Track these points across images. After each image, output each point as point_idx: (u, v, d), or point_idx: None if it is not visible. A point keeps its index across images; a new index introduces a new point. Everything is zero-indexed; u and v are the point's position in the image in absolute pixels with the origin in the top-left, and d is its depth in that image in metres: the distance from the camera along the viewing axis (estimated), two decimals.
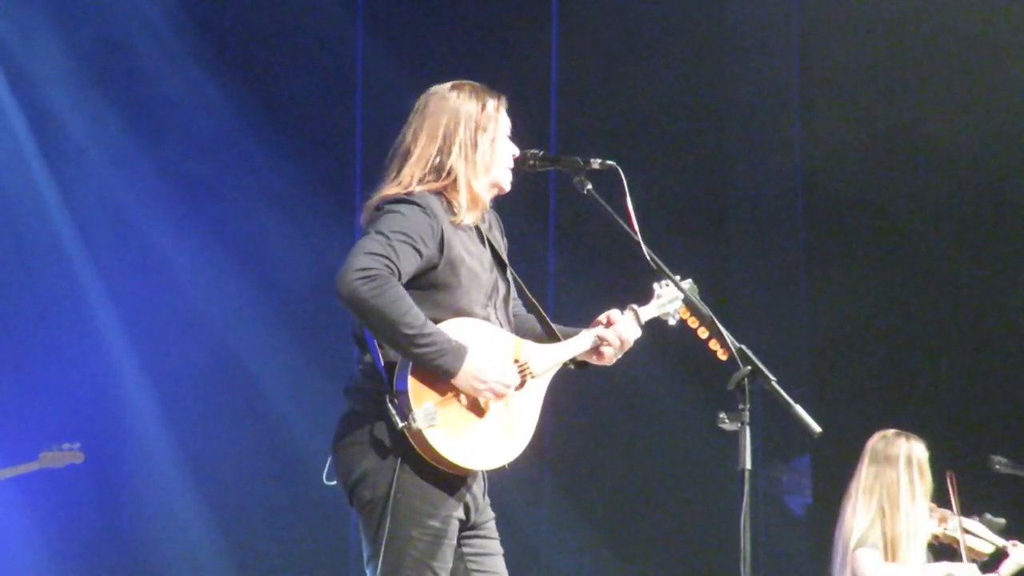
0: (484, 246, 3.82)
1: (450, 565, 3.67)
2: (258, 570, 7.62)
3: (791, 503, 7.73)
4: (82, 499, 7.37)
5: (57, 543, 7.36)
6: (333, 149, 7.88)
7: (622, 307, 3.91)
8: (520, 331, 3.86)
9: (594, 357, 3.88)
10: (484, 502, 3.80)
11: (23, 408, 7.35)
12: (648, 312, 3.93)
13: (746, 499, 3.38)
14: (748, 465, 3.42)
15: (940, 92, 7.24)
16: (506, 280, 3.86)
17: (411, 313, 3.53)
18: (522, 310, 3.96)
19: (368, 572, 3.65)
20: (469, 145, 3.75)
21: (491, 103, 3.80)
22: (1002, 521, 5.75)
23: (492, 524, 3.83)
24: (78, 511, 7.42)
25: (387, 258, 3.54)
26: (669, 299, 3.94)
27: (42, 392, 7.41)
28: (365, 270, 3.51)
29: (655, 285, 3.94)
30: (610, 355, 3.86)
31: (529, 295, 3.95)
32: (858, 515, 5.57)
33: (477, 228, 3.82)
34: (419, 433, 3.56)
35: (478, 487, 3.75)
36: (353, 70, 7.85)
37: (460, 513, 3.69)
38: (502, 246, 3.89)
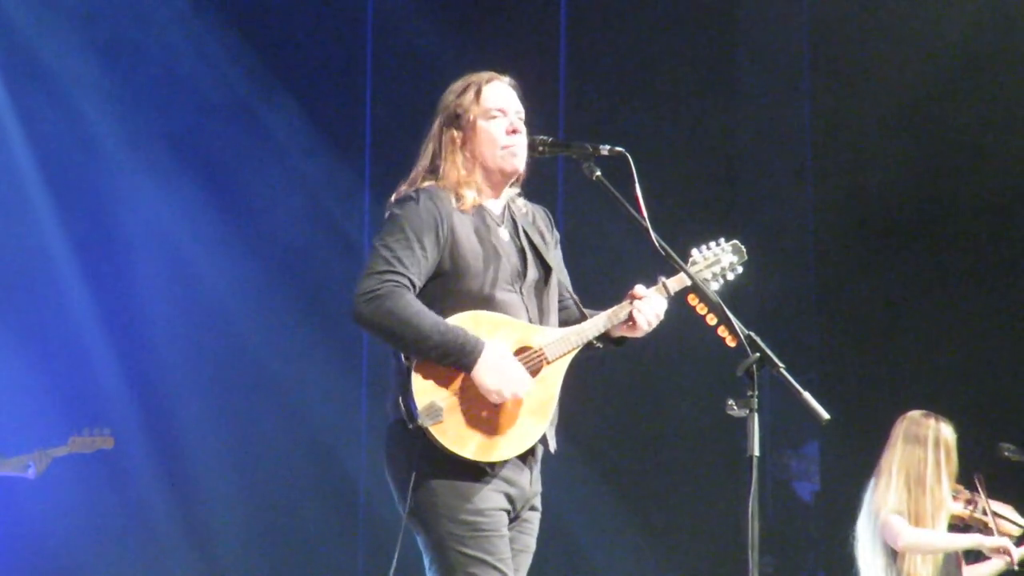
0: (515, 233, 3.87)
1: (508, 556, 3.72)
2: (270, 545, 7.59)
3: (799, 489, 7.74)
4: (92, 483, 7.35)
5: (68, 524, 7.35)
6: (342, 108, 7.76)
7: (630, 287, 3.93)
8: (569, 324, 3.90)
9: (628, 331, 3.90)
10: (532, 491, 3.83)
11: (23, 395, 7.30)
12: (679, 282, 3.93)
13: (754, 485, 3.38)
14: (756, 452, 3.42)
15: (951, 72, 7.20)
16: (544, 268, 3.89)
17: (415, 319, 3.62)
18: (573, 306, 3.99)
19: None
20: (448, 141, 3.86)
21: (469, 93, 3.87)
22: None
23: (533, 517, 3.87)
24: (88, 494, 7.40)
25: (389, 272, 3.66)
26: (705, 265, 3.98)
27: (34, 381, 7.36)
28: (366, 293, 3.66)
29: (693, 251, 3.98)
30: (642, 328, 3.88)
31: (567, 287, 3.99)
32: (888, 491, 5.71)
33: (512, 217, 3.89)
34: (428, 431, 3.62)
35: (522, 476, 3.78)
36: (364, 32, 7.77)
37: (503, 503, 3.73)
38: (547, 237, 3.95)
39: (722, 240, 4.07)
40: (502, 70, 3.97)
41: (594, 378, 6.78)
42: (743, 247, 4.08)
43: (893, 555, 5.72)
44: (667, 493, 7.62)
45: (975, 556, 5.90)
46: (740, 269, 4.06)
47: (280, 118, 7.65)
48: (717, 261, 4.02)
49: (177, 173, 7.56)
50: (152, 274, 7.59)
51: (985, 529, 5.79)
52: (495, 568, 3.67)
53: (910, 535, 5.65)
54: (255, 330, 7.61)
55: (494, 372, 3.64)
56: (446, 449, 3.63)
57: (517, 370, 3.69)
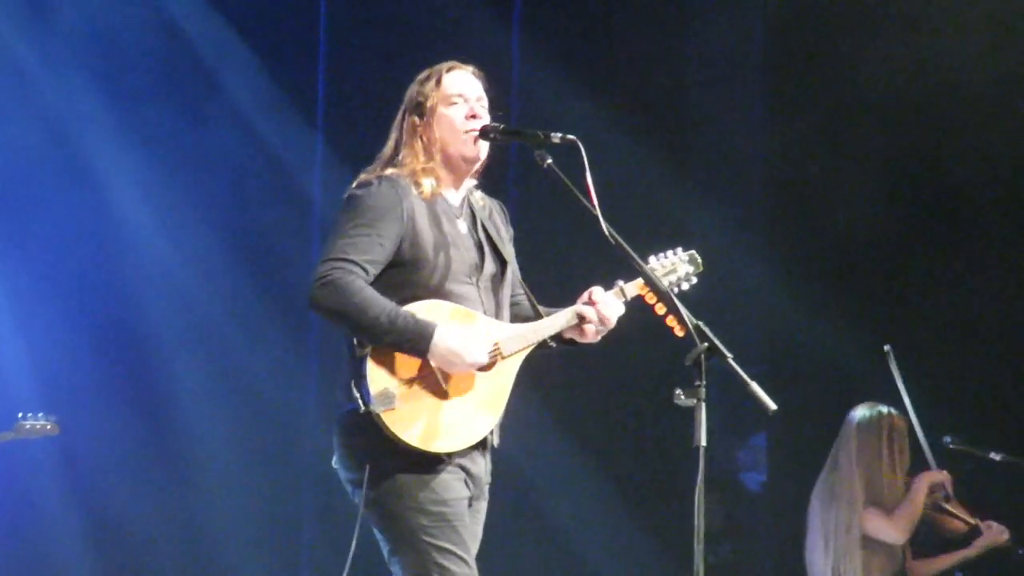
0: (473, 226, 3.90)
1: (470, 545, 3.75)
2: (218, 532, 7.51)
3: (747, 480, 7.78)
4: (35, 470, 7.25)
5: (9, 511, 7.26)
6: (295, 64, 7.57)
7: (581, 283, 3.95)
8: (519, 319, 3.94)
9: (577, 334, 3.92)
10: (485, 480, 3.87)
11: None
12: (637, 287, 3.95)
13: (701, 476, 3.40)
14: (703, 442, 3.43)
15: (914, 100, 7.23)
16: (501, 262, 3.92)
17: (365, 304, 3.63)
18: (524, 301, 4.02)
19: (392, 567, 3.74)
20: (408, 128, 3.89)
21: (431, 81, 3.90)
22: None
23: (482, 507, 3.90)
24: (40, 482, 7.30)
25: (343, 259, 3.68)
26: (662, 273, 4.00)
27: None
28: (320, 278, 3.68)
29: (651, 258, 3.99)
30: (591, 332, 3.90)
31: (519, 279, 4.02)
32: (853, 484, 5.77)
33: (471, 210, 3.92)
34: (379, 417, 3.62)
35: (478, 466, 3.81)
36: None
37: (464, 492, 3.76)
38: (503, 232, 3.98)
39: (679, 249, 4.12)
40: (460, 56, 3.99)
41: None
42: (699, 258, 4.13)
43: (871, 546, 5.79)
44: (616, 482, 7.64)
45: (922, 552, 5.97)
46: (695, 280, 4.11)
47: (233, 74, 7.47)
48: (674, 270, 4.08)
49: (124, 135, 7.32)
50: (97, 246, 7.37)
51: (936, 523, 5.88)
52: (460, 558, 3.70)
53: (897, 521, 5.74)
54: (206, 299, 7.41)
55: (450, 347, 3.65)
56: (395, 436, 3.64)
57: (472, 339, 3.69)
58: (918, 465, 5.94)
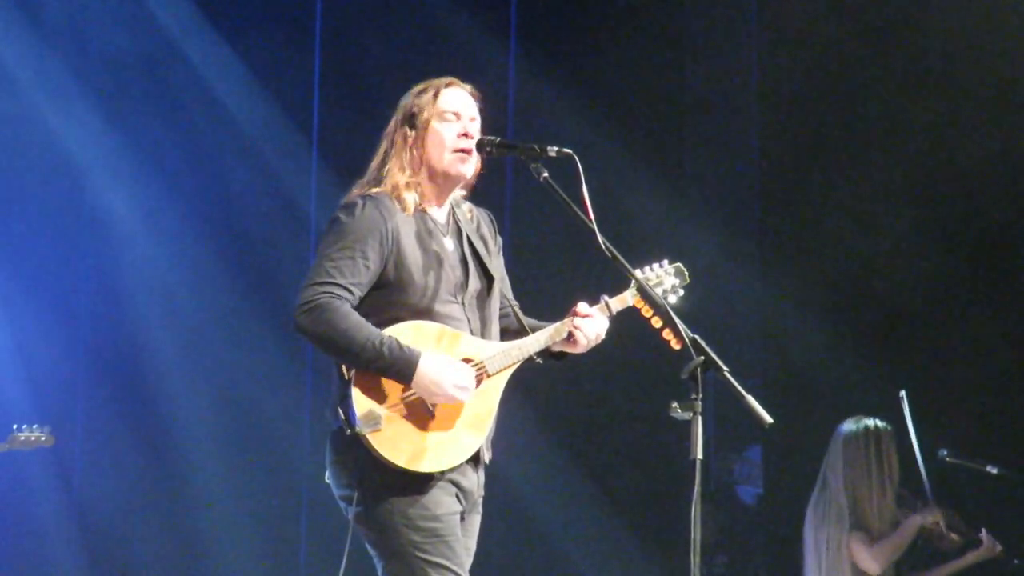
0: (459, 242, 3.89)
1: (464, 560, 3.76)
2: (210, 541, 7.49)
3: (742, 493, 7.78)
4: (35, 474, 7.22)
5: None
6: (289, 67, 7.57)
7: (575, 295, 3.96)
8: (507, 332, 3.94)
9: (568, 346, 3.92)
10: (478, 494, 3.87)
11: None
12: (622, 302, 3.97)
13: (697, 489, 3.40)
14: (700, 455, 3.43)
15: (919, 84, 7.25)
16: (487, 277, 3.91)
17: (351, 331, 3.63)
18: (512, 314, 4.01)
19: None
20: (399, 139, 3.87)
21: (427, 94, 3.88)
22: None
23: (475, 521, 3.90)
24: (35, 493, 7.28)
25: (328, 283, 3.68)
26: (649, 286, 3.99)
27: None
28: (305, 303, 3.67)
29: (637, 271, 3.98)
30: (582, 344, 3.91)
31: (508, 293, 4.01)
32: (840, 507, 5.77)
33: (457, 225, 3.90)
34: (365, 439, 3.64)
35: (469, 480, 3.81)
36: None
37: (456, 506, 3.76)
38: (491, 245, 3.97)
39: (665, 262, 4.13)
40: (457, 71, 3.99)
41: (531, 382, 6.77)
42: (686, 270, 4.14)
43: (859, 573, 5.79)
44: (611, 496, 7.64)
45: (918, 564, 5.97)
46: (681, 292, 4.13)
47: (228, 85, 7.46)
48: (660, 283, 4.08)
49: (120, 147, 7.33)
50: (92, 258, 7.36)
51: (933, 536, 5.88)
52: (454, 572, 3.71)
53: (878, 554, 5.73)
54: (200, 311, 7.38)
55: (435, 379, 3.66)
56: (382, 457, 3.65)
57: (458, 372, 3.70)
58: (914, 490, 5.94)
